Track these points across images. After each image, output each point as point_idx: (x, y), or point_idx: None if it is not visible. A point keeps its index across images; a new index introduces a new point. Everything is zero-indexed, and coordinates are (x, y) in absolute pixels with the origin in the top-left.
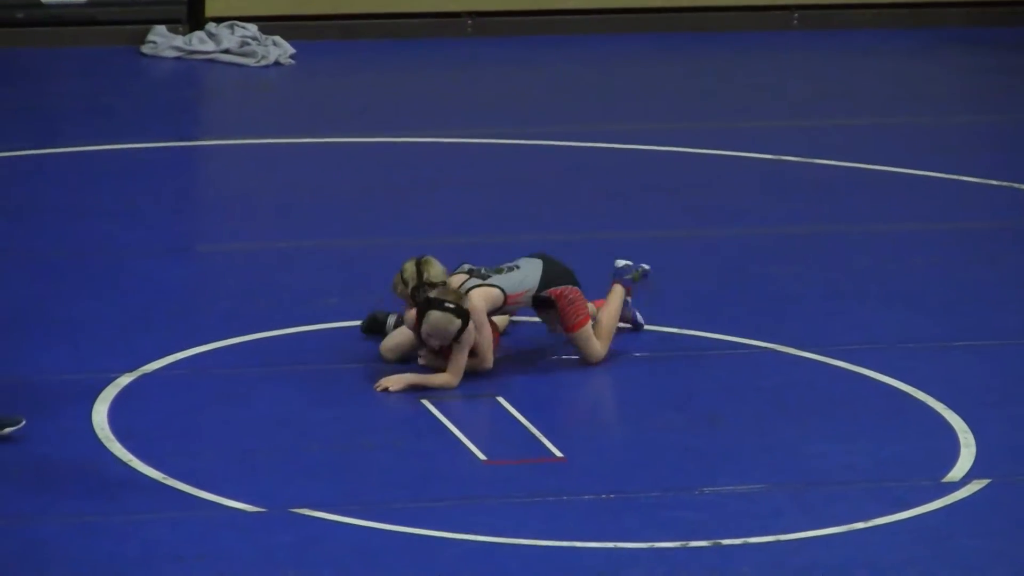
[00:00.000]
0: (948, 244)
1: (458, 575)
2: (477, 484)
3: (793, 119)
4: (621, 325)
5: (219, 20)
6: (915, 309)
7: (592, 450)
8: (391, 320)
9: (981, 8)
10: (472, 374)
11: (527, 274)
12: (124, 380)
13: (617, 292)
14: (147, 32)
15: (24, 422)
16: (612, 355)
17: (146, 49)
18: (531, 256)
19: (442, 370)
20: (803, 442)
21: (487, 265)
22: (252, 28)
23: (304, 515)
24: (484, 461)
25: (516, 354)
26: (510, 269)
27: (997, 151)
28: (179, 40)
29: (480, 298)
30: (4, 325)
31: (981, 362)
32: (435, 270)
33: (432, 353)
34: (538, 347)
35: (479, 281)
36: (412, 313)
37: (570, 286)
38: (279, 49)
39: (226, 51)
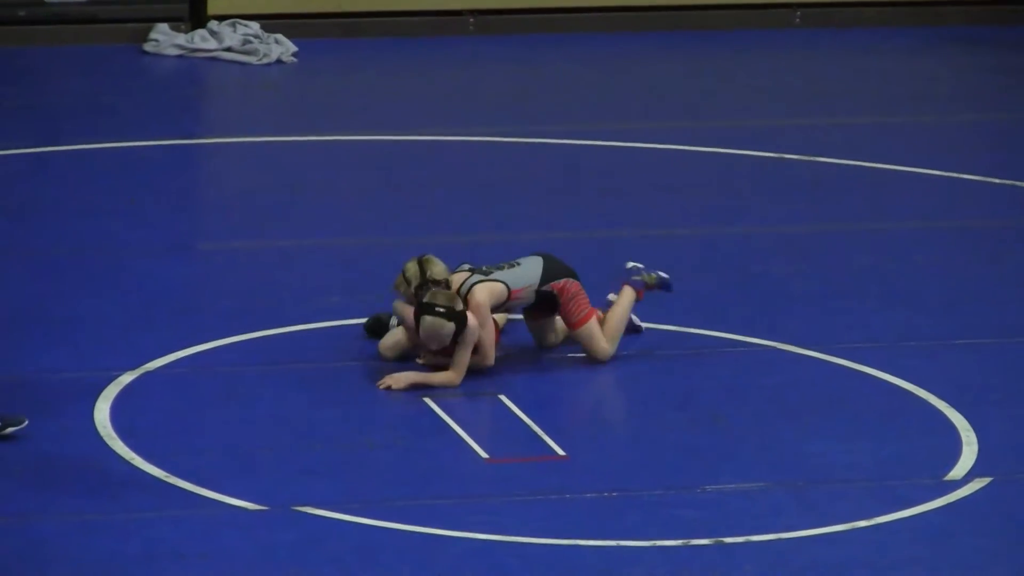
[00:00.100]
0: (949, 242)
1: (460, 573)
2: (479, 482)
3: (794, 117)
4: None
5: (221, 18)
6: (916, 307)
7: (594, 448)
8: (394, 320)
9: (982, 7)
10: (474, 372)
11: (528, 270)
12: (126, 378)
13: (627, 293)
14: (149, 30)
15: (27, 422)
16: (614, 354)
17: (148, 47)
18: (532, 255)
19: (442, 368)
20: (804, 440)
21: (488, 264)
22: (254, 26)
23: (306, 513)
24: (486, 459)
25: (518, 352)
26: (511, 266)
27: (998, 149)
28: (181, 38)
29: (484, 293)
30: (6, 324)
31: (982, 360)
32: (437, 268)
33: (431, 352)
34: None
35: (482, 277)
36: (410, 310)
37: (572, 280)
38: (281, 47)
39: (228, 49)
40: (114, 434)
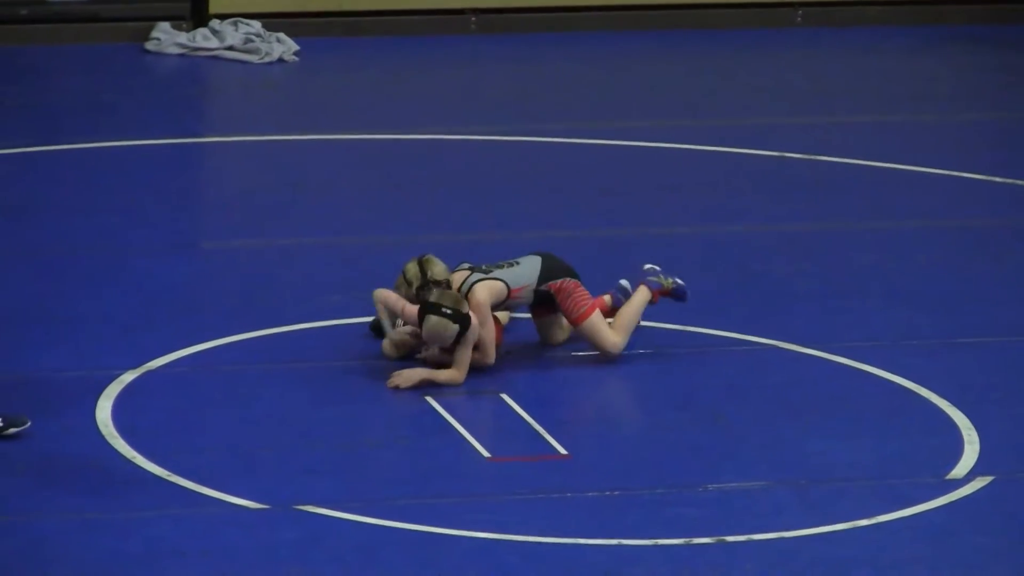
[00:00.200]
0: (950, 241)
1: (461, 572)
2: (481, 481)
3: (795, 116)
4: None
5: (223, 17)
6: (917, 306)
7: (596, 447)
8: (399, 320)
9: (983, 6)
10: (475, 370)
11: (526, 269)
12: (127, 377)
13: (643, 291)
14: (151, 29)
15: (29, 423)
16: (624, 346)
17: (150, 46)
18: (531, 254)
19: (443, 364)
20: (806, 439)
21: (487, 263)
22: (256, 25)
23: (307, 512)
24: (488, 458)
25: (520, 350)
26: (510, 265)
27: (999, 148)
28: (183, 37)
29: (484, 291)
30: (7, 323)
31: (984, 359)
32: (438, 268)
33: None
34: (541, 343)
35: (482, 276)
36: (413, 309)
37: (569, 279)
38: (283, 46)
39: (230, 48)
40: (115, 433)
